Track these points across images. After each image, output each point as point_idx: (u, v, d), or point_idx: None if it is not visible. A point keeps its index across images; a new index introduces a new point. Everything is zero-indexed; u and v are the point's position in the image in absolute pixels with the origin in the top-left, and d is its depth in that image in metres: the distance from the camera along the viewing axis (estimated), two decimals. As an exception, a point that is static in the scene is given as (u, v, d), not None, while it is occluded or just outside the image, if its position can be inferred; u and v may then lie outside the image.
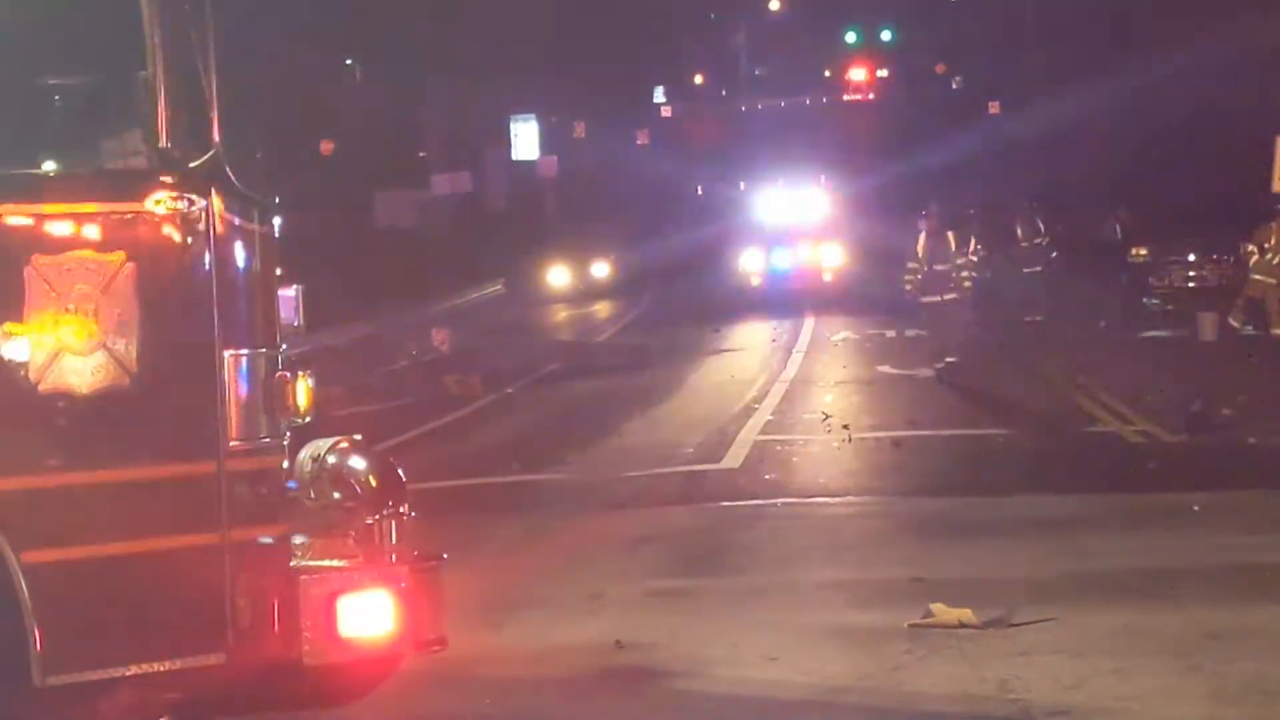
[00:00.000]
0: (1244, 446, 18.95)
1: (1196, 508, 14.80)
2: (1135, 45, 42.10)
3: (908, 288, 25.74)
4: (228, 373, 7.01)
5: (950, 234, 25.52)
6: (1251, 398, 22.22)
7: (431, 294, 43.54)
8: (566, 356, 31.30)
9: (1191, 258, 36.87)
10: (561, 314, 46.34)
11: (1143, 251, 37.80)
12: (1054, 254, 37.09)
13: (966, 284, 25.37)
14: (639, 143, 72.90)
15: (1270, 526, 13.91)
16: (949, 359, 24.65)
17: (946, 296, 25.14)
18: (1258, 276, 29.95)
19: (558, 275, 52.00)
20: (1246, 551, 12.90)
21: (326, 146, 46.00)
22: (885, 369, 26.72)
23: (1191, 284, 36.63)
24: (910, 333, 29.50)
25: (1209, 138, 43.15)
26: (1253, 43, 36.08)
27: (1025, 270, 36.37)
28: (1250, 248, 30.63)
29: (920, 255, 25.44)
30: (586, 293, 50.89)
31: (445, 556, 7.61)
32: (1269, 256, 29.81)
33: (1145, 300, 35.84)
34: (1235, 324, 30.71)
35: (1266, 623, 10.46)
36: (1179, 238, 37.37)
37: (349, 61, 54.49)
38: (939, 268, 25.20)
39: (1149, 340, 32.21)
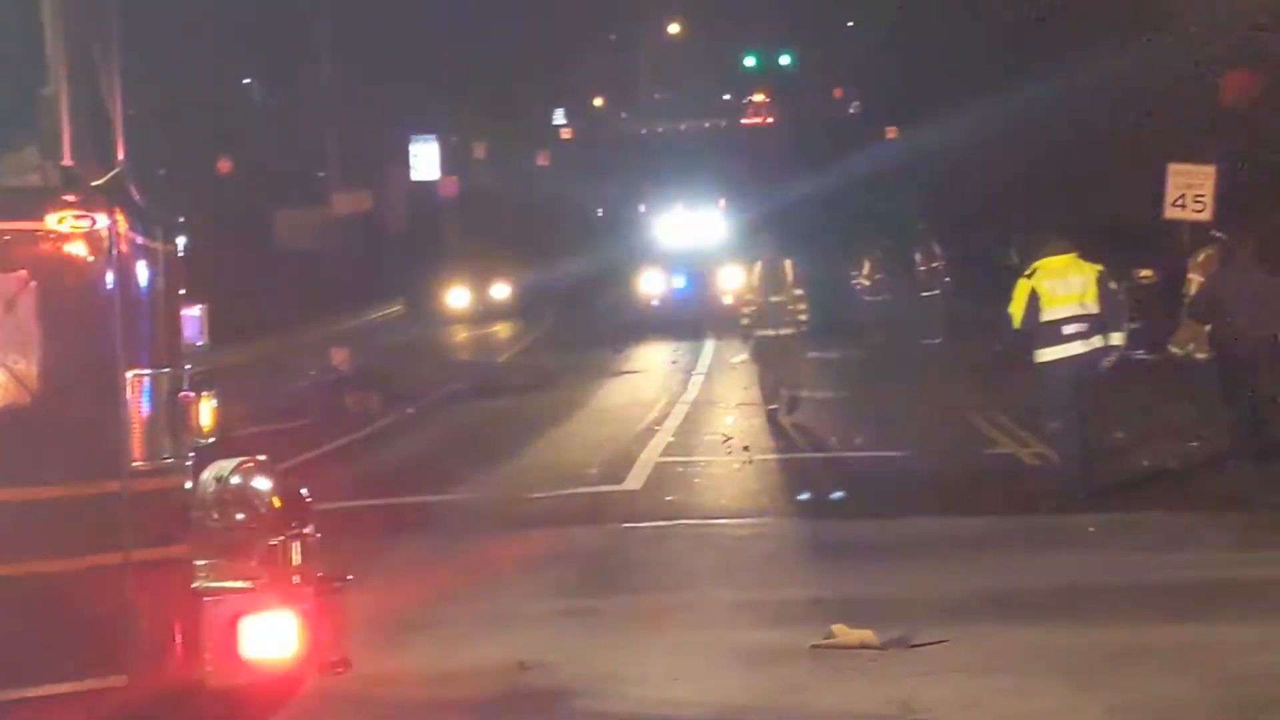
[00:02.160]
0: (1137, 468, 19.15)
1: (1092, 529, 14.96)
2: (1029, 71, 42.39)
3: (744, 322, 24.01)
4: (130, 392, 6.93)
5: (786, 264, 23.61)
6: (1144, 420, 22.47)
7: (332, 314, 43.33)
8: (468, 377, 31.26)
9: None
10: (462, 334, 46.25)
11: (1039, 274, 38.01)
12: (947, 278, 37.35)
13: (802, 316, 23.53)
14: (539, 164, 72.94)
15: (1164, 546, 14.08)
16: (787, 393, 23.36)
17: (782, 331, 23.35)
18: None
19: (458, 296, 51.89)
20: (1141, 571, 13.06)
21: (225, 165, 45.74)
22: (784, 391, 26.75)
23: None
24: (812, 354, 29.65)
25: (1102, 162, 43.51)
26: (1141, 68, 36.43)
27: (923, 294, 36.61)
28: (1190, 276, 30.92)
29: (755, 286, 23.71)
30: (487, 313, 50.83)
31: (350, 578, 7.58)
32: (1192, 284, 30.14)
33: (1041, 324, 36.05)
34: (1178, 351, 30.94)
35: (1162, 641, 10.57)
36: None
37: (248, 81, 54.20)
38: (775, 300, 23.34)
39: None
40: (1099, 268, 16.78)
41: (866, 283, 37.25)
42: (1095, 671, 9.81)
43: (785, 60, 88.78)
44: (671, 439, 22.16)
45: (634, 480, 18.95)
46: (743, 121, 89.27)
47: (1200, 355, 29.44)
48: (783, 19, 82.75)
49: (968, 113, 47.91)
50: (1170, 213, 30.88)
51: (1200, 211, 30.53)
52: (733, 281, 24.78)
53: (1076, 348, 16.49)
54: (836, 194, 53.25)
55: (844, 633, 10.68)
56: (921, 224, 38.75)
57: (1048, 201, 45.19)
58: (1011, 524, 15.47)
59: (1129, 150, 38.61)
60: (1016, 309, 16.64)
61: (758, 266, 23.88)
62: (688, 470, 19.66)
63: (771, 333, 23.32)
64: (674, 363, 34.14)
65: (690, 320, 42.86)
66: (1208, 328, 20.53)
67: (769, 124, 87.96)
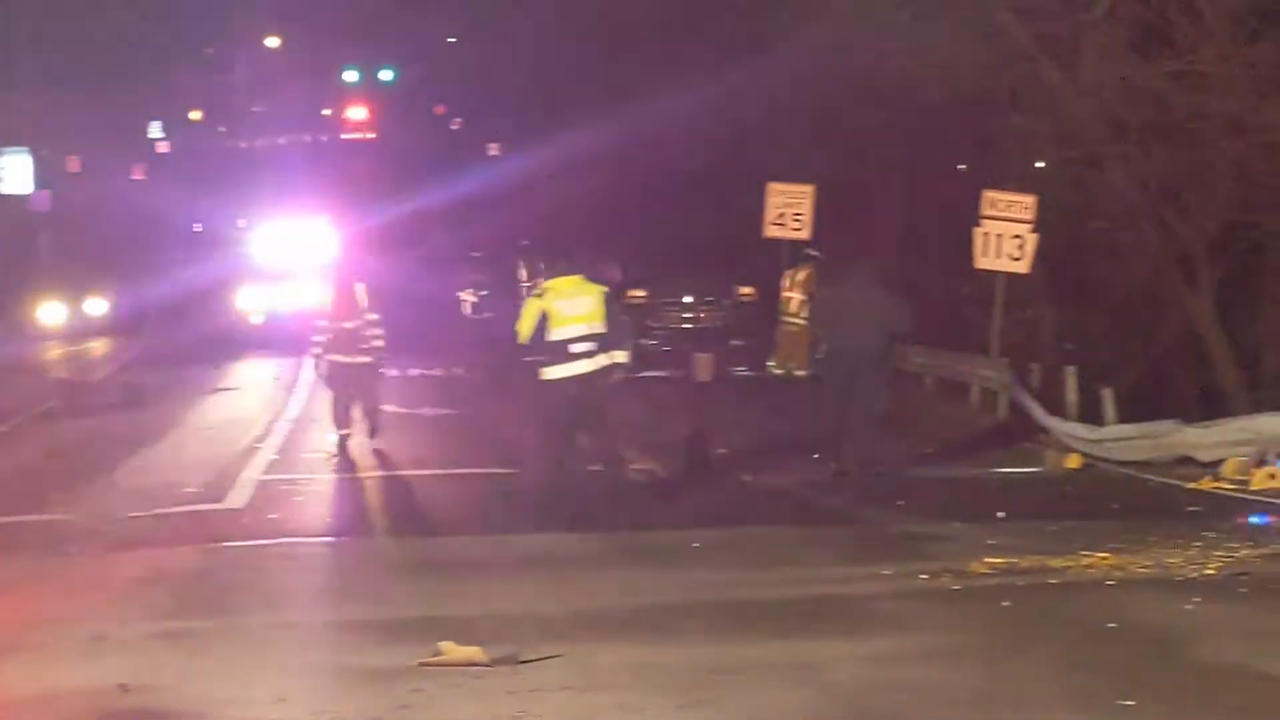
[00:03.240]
0: (739, 484, 19.55)
1: (696, 545, 15.17)
2: (636, 91, 42.98)
3: (316, 349, 22.56)
4: None
5: (358, 288, 22.55)
6: (745, 437, 22.95)
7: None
8: (62, 395, 30.44)
9: (687, 300, 37.75)
10: (56, 351, 45.05)
11: (641, 293, 38.52)
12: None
13: (378, 342, 22.34)
14: (135, 178, 71.53)
15: (764, 563, 14.35)
16: (367, 421, 22.50)
17: (358, 359, 22.12)
18: (790, 320, 30.98)
19: (51, 312, 50.65)
20: (744, 587, 13.29)
21: None
22: (390, 407, 26.64)
23: (687, 325, 37.51)
24: (414, 371, 29.66)
25: (704, 182, 44.33)
26: (746, 89, 37.24)
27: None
28: (786, 294, 31.62)
29: (330, 312, 22.50)
30: (83, 330, 49.69)
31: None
32: (798, 301, 30.88)
33: (643, 341, 36.57)
34: (779, 370, 31.62)
35: (764, 656, 10.76)
36: (675, 280, 38.22)
37: None
38: (348, 325, 22.17)
39: (647, 380, 32.88)
40: (604, 289, 17.42)
41: (472, 299, 37.33)
42: (700, 689, 9.94)
43: (386, 76, 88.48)
44: (274, 456, 21.91)
45: (236, 499, 18.68)
46: (343, 136, 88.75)
47: (800, 372, 30.33)
48: (384, 34, 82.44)
49: (569, 131, 48.40)
50: (770, 231, 31.65)
51: (799, 230, 31.36)
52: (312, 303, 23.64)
53: (584, 366, 17.12)
54: (439, 210, 53.23)
55: (451, 650, 10.66)
56: (525, 241, 38.94)
57: (649, 218, 45.98)
58: (615, 540, 15.62)
59: (731, 169, 39.49)
60: (524, 327, 17.25)
61: (332, 291, 22.87)
62: (291, 488, 19.45)
63: (344, 359, 22.11)
64: (276, 379, 33.76)
65: (292, 336, 42.36)
66: (824, 346, 21.34)
67: (370, 139, 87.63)
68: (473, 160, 66.90)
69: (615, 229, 46.76)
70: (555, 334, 17.06)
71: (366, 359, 22.31)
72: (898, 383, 26.01)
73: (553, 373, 17.17)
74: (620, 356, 17.28)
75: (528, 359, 17.45)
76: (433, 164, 65.93)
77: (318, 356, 22.56)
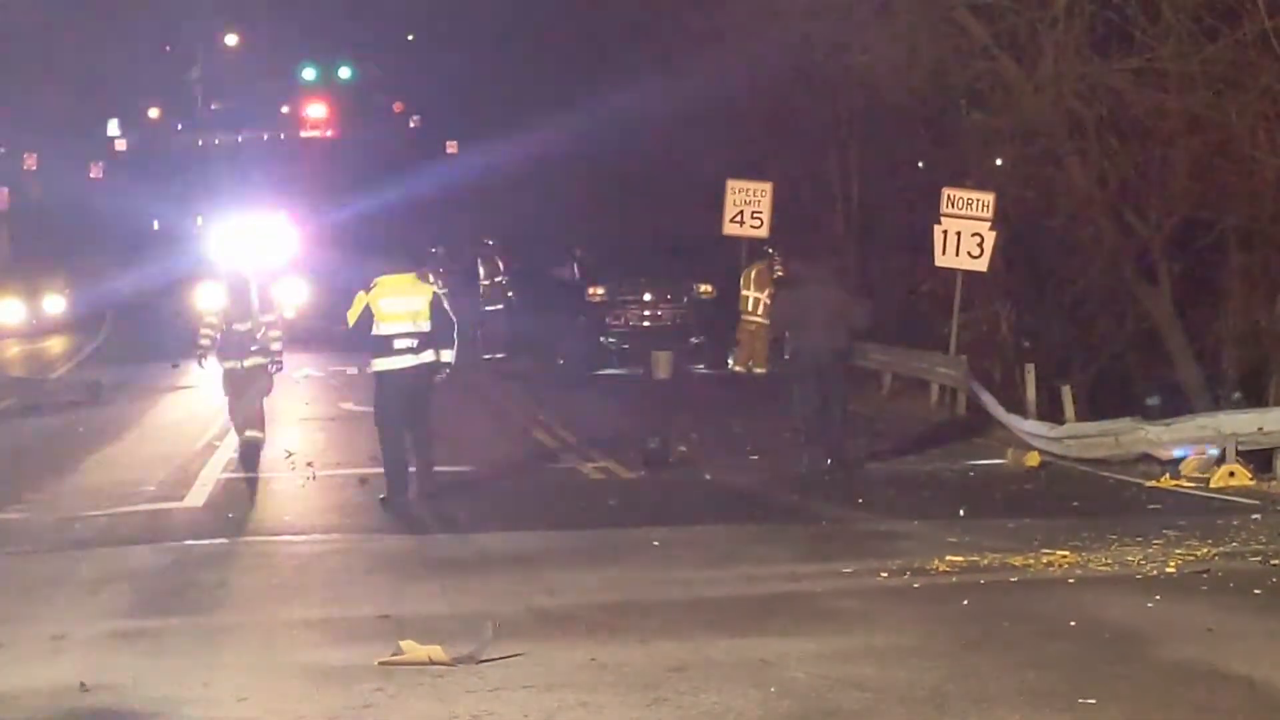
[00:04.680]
0: (699, 482, 19.57)
1: (656, 542, 15.17)
2: (597, 87, 42.96)
3: (202, 344, 20.64)
4: None
5: (253, 287, 20.73)
6: (705, 435, 22.97)
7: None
8: (18, 392, 30.32)
9: (647, 297, 37.74)
10: (13, 349, 44.86)
11: (600, 291, 38.49)
12: (511, 293, 37.59)
13: (275, 345, 20.48)
14: (92, 176, 71.27)
15: (725, 560, 14.36)
16: (251, 435, 20.43)
17: (247, 363, 20.31)
18: (749, 318, 31.05)
19: (8, 309, 50.45)
20: (704, 585, 13.29)
21: None
22: (349, 406, 26.62)
23: (646, 323, 37.50)
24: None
25: (663, 181, 44.33)
26: (702, 90, 37.23)
27: (487, 308, 36.78)
28: (744, 293, 31.67)
29: (218, 312, 20.67)
30: (40, 327, 49.52)
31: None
32: (755, 299, 30.95)
33: (603, 339, 36.57)
34: (740, 369, 31.69)
35: (725, 654, 10.76)
36: (634, 278, 38.20)
37: None
38: (239, 328, 20.40)
39: (606, 378, 32.95)
40: (435, 289, 18.32)
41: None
42: (660, 687, 9.94)
43: (345, 73, 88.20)
44: (233, 455, 21.78)
45: (195, 497, 18.67)
46: (302, 134, 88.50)
47: (759, 370, 30.39)
48: (342, 32, 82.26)
49: (528, 130, 48.37)
50: (729, 229, 31.66)
51: (758, 227, 31.38)
52: (205, 302, 22.00)
53: (406, 361, 17.83)
54: (398, 208, 53.10)
55: (412, 649, 10.64)
56: (489, 239, 38.84)
57: (608, 216, 45.95)
58: (575, 538, 15.65)
59: (691, 166, 39.48)
60: (351, 316, 17.94)
61: (220, 289, 21.02)
62: (250, 486, 19.41)
63: (236, 364, 20.38)
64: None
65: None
66: (789, 346, 21.48)
67: (329, 136, 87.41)
68: (432, 158, 66.78)
69: (576, 225, 46.75)
70: (380, 329, 17.75)
71: (260, 361, 20.40)
72: (857, 380, 26.10)
73: (378, 365, 17.96)
74: (445, 356, 17.96)
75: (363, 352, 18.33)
76: (391, 162, 65.80)
77: (201, 358, 20.76)
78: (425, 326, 17.79)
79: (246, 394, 20.40)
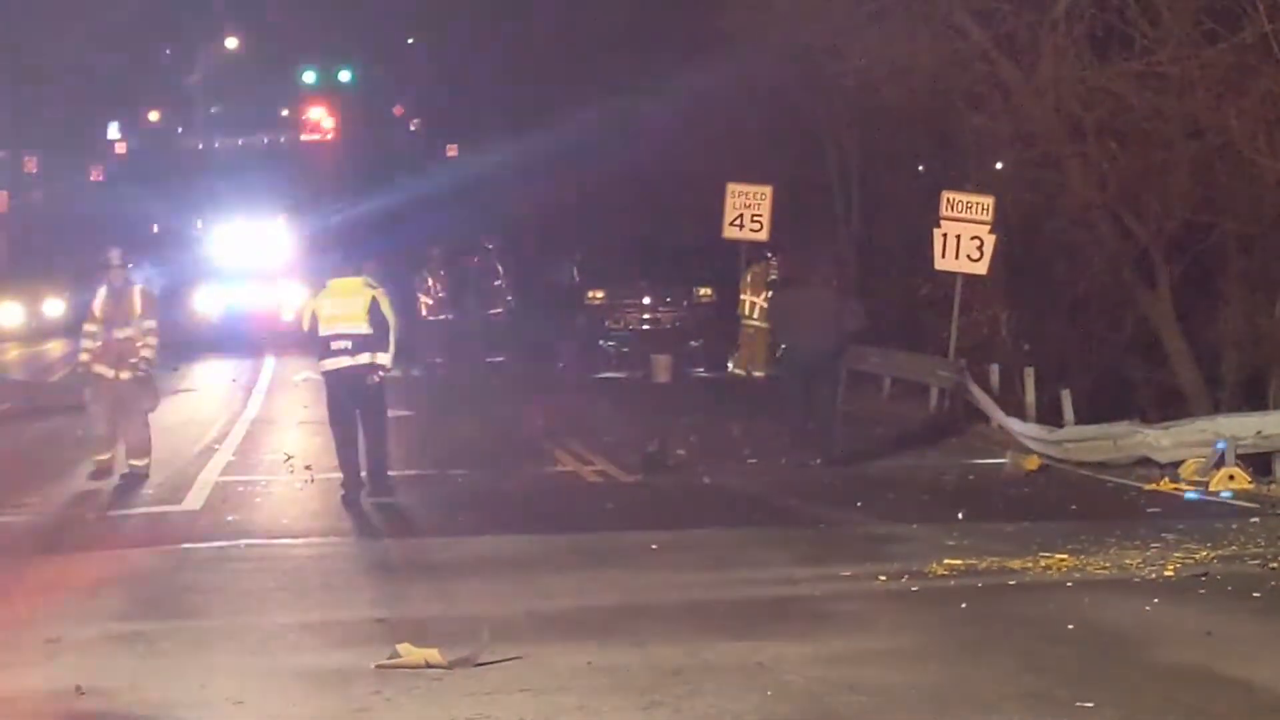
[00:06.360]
0: (698, 486, 19.55)
1: (654, 546, 15.16)
2: (595, 92, 42.95)
3: (84, 356, 19.73)
4: None
5: (137, 290, 19.92)
6: (703, 438, 22.95)
7: None
8: (19, 395, 30.28)
9: (646, 301, 37.68)
10: (13, 352, 44.88)
11: (599, 294, 38.44)
12: (510, 297, 37.58)
13: (147, 353, 19.61)
14: (93, 179, 71.27)
15: (722, 564, 14.36)
16: (134, 464, 19.77)
17: (123, 374, 19.50)
18: (749, 322, 31.02)
19: (9, 313, 50.50)
20: (702, 589, 13.29)
21: None
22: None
23: (646, 326, 37.47)
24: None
25: (664, 184, 44.28)
26: (703, 93, 37.20)
27: (487, 312, 36.74)
28: (743, 297, 31.62)
29: (98, 317, 19.67)
30: (40, 331, 49.56)
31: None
32: (750, 304, 30.91)
33: (602, 342, 36.54)
34: (739, 372, 31.65)
35: (722, 657, 10.76)
36: (634, 281, 38.16)
37: None
38: (120, 335, 19.54)
39: (605, 381, 32.94)
40: (376, 293, 18.49)
41: (429, 301, 37.17)
42: (659, 690, 9.93)
43: (345, 76, 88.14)
44: (232, 458, 21.85)
45: (193, 500, 18.64)
46: (303, 137, 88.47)
47: (759, 374, 30.37)
48: (342, 35, 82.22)
49: (527, 133, 48.34)
50: (729, 232, 31.59)
51: (757, 231, 31.31)
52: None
53: (344, 362, 18.27)
54: (400, 211, 53.08)
55: (409, 652, 10.63)
56: (489, 242, 38.82)
57: (609, 218, 45.88)
58: (573, 542, 15.61)
59: (693, 170, 39.42)
60: (303, 320, 18.79)
61: (101, 292, 19.93)
62: (249, 489, 19.42)
63: (110, 374, 19.55)
64: (234, 380, 33.68)
65: (251, 337, 42.35)
66: (784, 346, 21.61)
67: (329, 140, 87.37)
68: (432, 161, 66.76)
69: (575, 229, 46.70)
70: (321, 331, 18.32)
71: (136, 373, 19.54)
72: (855, 383, 26.10)
73: (321, 366, 18.66)
74: (382, 359, 18.32)
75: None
76: (392, 164, 65.81)
77: (85, 368, 19.80)
78: (363, 329, 18.21)
79: (130, 413, 19.59)
